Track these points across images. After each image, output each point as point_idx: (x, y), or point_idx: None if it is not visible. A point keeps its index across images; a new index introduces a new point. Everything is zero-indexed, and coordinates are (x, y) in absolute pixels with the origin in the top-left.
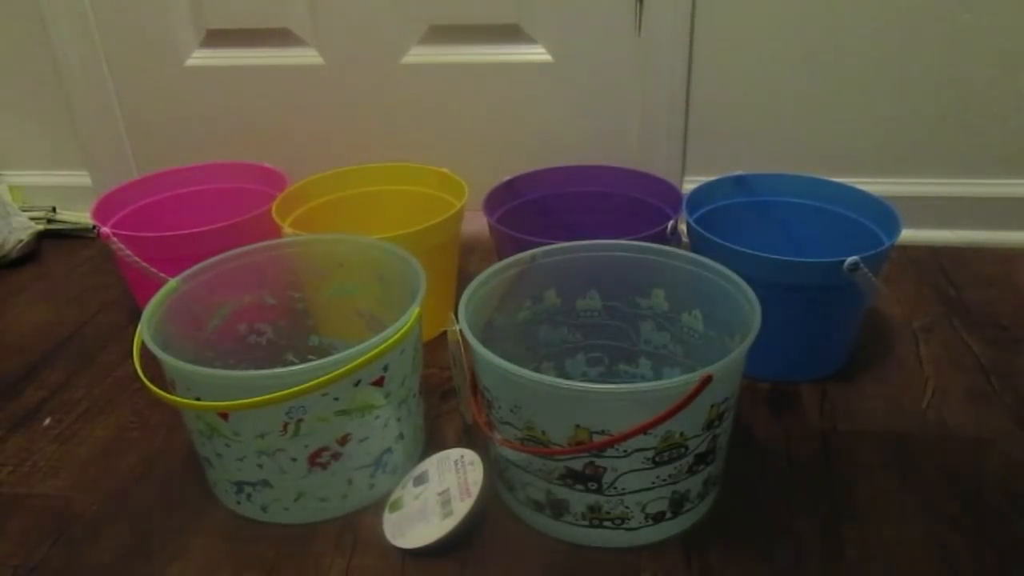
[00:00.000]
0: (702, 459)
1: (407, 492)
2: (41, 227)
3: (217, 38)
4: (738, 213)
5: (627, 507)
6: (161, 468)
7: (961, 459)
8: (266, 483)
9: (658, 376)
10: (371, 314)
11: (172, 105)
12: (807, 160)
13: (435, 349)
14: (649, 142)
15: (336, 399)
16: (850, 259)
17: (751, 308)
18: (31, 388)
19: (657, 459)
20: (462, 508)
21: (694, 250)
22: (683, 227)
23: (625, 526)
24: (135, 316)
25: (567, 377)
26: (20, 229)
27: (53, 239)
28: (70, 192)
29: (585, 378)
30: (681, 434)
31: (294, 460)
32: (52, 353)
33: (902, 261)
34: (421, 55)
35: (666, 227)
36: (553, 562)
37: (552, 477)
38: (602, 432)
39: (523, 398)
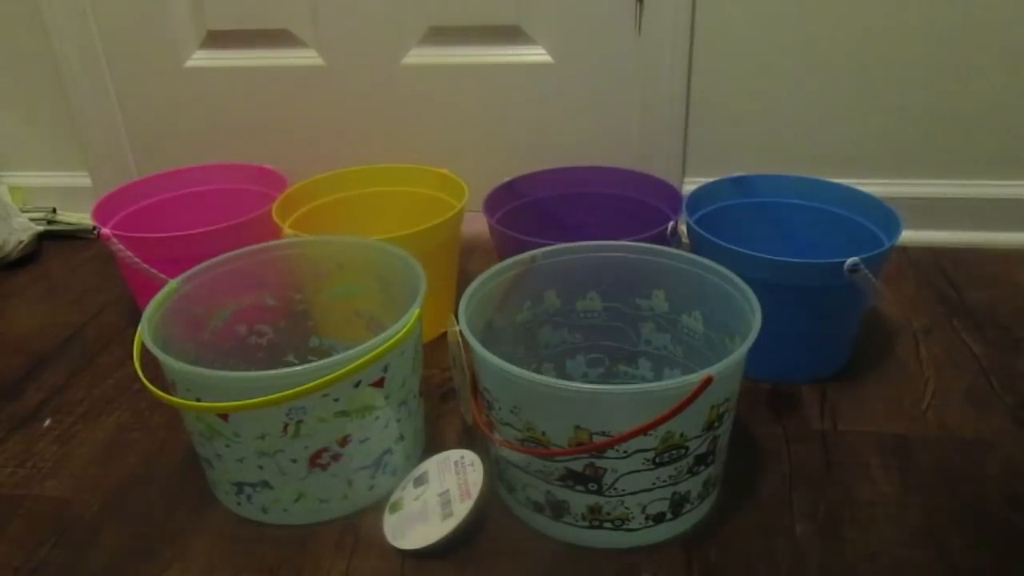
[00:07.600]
0: (702, 460)
1: (407, 493)
2: (41, 228)
3: (217, 39)
4: (738, 214)
5: (627, 508)
6: (161, 469)
7: (961, 459)
8: (266, 484)
9: (658, 377)
10: (371, 315)
11: (172, 106)
12: (807, 160)
13: (435, 350)
14: (649, 143)
15: (336, 400)
16: (850, 260)
17: (751, 309)
18: (31, 389)
19: (657, 460)
20: (462, 509)
21: (694, 251)
22: (683, 228)
23: (625, 527)
24: (135, 317)
25: (567, 378)
26: (20, 230)
27: (53, 240)
28: (70, 193)
29: (585, 379)
30: (681, 435)
31: (294, 461)
32: (52, 354)
33: (902, 262)
34: (421, 56)
35: (666, 228)
36: (553, 563)
37: (552, 478)
38: (602, 433)
39: (523, 399)
